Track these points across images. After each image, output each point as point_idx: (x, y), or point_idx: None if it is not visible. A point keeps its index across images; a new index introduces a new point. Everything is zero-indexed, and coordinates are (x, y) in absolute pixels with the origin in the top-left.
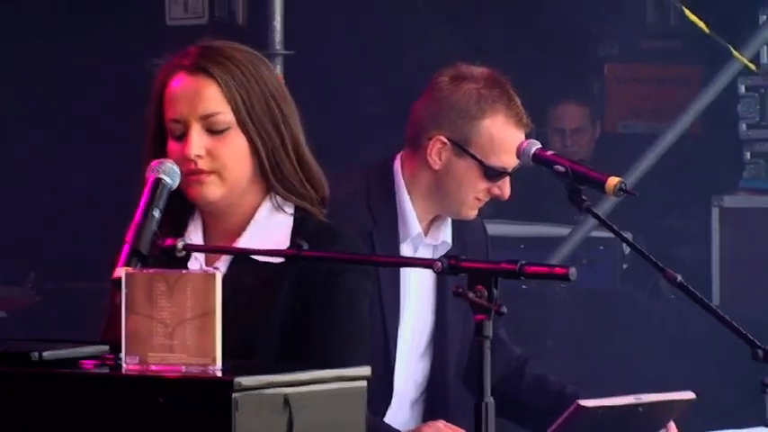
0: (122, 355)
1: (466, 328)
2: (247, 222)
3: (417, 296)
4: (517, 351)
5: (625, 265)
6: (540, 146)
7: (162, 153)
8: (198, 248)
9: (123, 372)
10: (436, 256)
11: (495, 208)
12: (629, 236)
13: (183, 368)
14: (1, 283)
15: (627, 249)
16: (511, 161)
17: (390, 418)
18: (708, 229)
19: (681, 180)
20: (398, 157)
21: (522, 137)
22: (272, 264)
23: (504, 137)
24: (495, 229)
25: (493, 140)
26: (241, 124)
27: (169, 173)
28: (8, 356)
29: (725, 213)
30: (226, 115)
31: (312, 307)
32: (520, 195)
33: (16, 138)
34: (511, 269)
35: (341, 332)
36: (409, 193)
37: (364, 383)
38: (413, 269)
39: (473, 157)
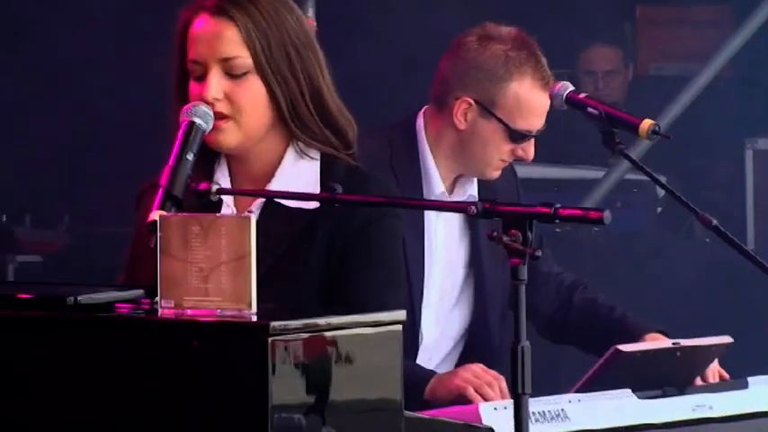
0: (158, 298)
1: (505, 275)
2: (273, 169)
3: (445, 249)
4: (568, 280)
5: (659, 209)
6: (573, 88)
7: (185, 94)
8: (231, 192)
9: (158, 316)
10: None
11: None
12: (663, 179)
13: (218, 312)
14: (34, 227)
15: (661, 192)
16: (537, 123)
17: None
18: (742, 171)
19: (714, 122)
20: (421, 113)
21: (548, 100)
22: (305, 210)
23: (531, 99)
24: (528, 171)
25: (519, 103)
26: (259, 70)
27: (202, 116)
28: (44, 301)
29: (759, 156)
30: (245, 59)
31: (350, 256)
32: (553, 138)
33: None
34: (545, 212)
35: (380, 282)
36: (432, 152)
37: (399, 327)
38: (440, 223)
39: (499, 119)
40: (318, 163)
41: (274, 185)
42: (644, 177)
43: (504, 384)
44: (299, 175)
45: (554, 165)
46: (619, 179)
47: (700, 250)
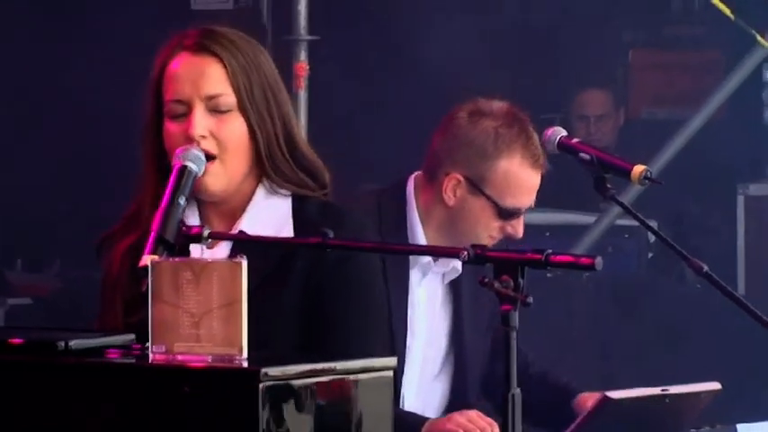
0: (149, 344)
1: (485, 346)
2: (243, 206)
3: (427, 318)
4: (522, 352)
5: (650, 254)
6: (565, 133)
7: (159, 136)
8: (224, 237)
9: (149, 361)
10: (445, 283)
11: None
12: (654, 224)
13: (210, 358)
14: (25, 271)
15: (652, 238)
16: (526, 201)
17: None
18: (733, 217)
19: (705, 168)
20: (412, 179)
21: (538, 178)
22: (277, 246)
23: (521, 177)
24: None
25: (509, 181)
26: (242, 108)
27: (194, 159)
28: (34, 346)
29: (750, 201)
30: (229, 97)
31: (326, 293)
32: (545, 183)
33: (44, 123)
34: (537, 259)
35: (358, 320)
36: (421, 222)
37: (391, 374)
38: (422, 291)
39: (488, 197)
40: (290, 199)
41: (245, 222)
42: (635, 223)
43: (497, 431)
44: (269, 211)
45: (545, 209)
46: (610, 224)
47: (691, 296)
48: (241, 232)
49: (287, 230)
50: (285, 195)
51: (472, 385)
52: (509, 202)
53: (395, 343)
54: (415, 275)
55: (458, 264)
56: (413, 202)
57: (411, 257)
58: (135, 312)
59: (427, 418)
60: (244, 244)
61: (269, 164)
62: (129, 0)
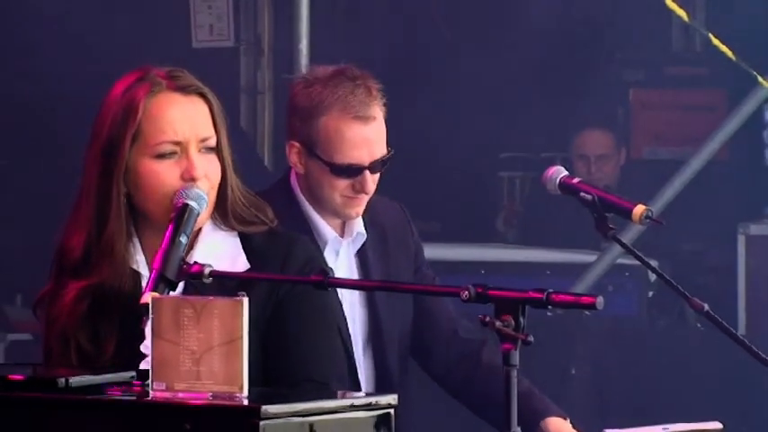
0: (149, 381)
1: (405, 307)
2: (191, 241)
3: (348, 296)
4: (477, 338)
5: (651, 293)
6: (567, 173)
7: (115, 170)
8: (224, 274)
9: (150, 399)
10: (354, 250)
11: (521, 234)
12: (655, 263)
13: (210, 395)
14: (26, 306)
15: (653, 277)
16: (357, 156)
17: None
18: (734, 256)
19: (706, 207)
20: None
21: (365, 130)
22: (232, 276)
23: (341, 132)
24: (520, 255)
25: (330, 137)
26: (219, 149)
27: (196, 198)
28: (34, 382)
29: (751, 241)
30: (213, 138)
31: (284, 319)
32: (546, 221)
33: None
34: (538, 298)
35: (318, 345)
36: (311, 206)
37: (392, 411)
38: (340, 266)
39: (318, 157)
40: (236, 233)
41: (197, 254)
42: (636, 262)
43: None
44: (220, 244)
45: (546, 248)
46: (611, 263)
47: (691, 335)
48: (196, 263)
49: (241, 261)
50: (230, 230)
51: (392, 353)
52: (339, 159)
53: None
54: (329, 256)
55: (361, 227)
56: (297, 187)
57: (318, 240)
58: (104, 349)
59: None
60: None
61: (232, 200)
62: (131, 38)
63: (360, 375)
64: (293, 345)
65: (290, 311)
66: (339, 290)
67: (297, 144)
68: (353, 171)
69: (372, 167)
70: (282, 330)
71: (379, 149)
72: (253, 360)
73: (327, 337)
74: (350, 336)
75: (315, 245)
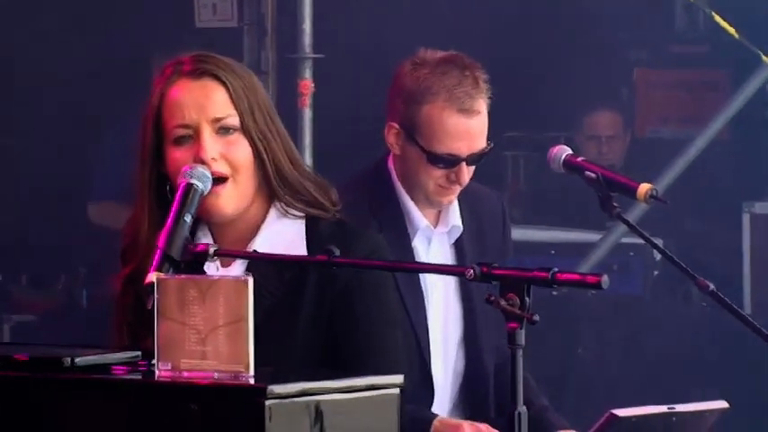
0: (155, 361)
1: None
2: (256, 228)
3: (441, 285)
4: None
5: (656, 272)
6: (571, 152)
7: (159, 164)
8: (229, 254)
9: (156, 378)
10: (450, 242)
11: (526, 213)
12: (659, 242)
13: (216, 375)
14: (30, 286)
15: (658, 256)
16: (456, 147)
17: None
18: (738, 235)
19: (711, 186)
20: (391, 155)
21: (468, 123)
22: (291, 264)
23: (444, 122)
24: (525, 234)
25: (433, 126)
26: (245, 129)
27: (200, 177)
28: (40, 362)
29: (756, 219)
30: (233, 118)
31: (341, 312)
32: (551, 201)
33: (50, 139)
34: (543, 277)
35: (375, 339)
36: (407, 192)
37: (397, 391)
38: (433, 255)
39: (417, 143)
40: (303, 221)
41: (258, 243)
42: (641, 241)
43: None
44: (282, 233)
45: (551, 227)
46: (615, 242)
47: (697, 314)
48: (201, 243)
49: (300, 251)
50: (298, 217)
51: (487, 354)
52: (437, 148)
53: (413, 320)
54: (419, 244)
55: (457, 220)
56: (394, 172)
57: (410, 227)
58: (144, 338)
59: (435, 416)
60: (258, 265)
61: (278, 181)
62: (133, 19)
63: (444, 370)
64: (354, 340)
65: (352, 305)
66: (431, 287)
67: (396, 126)
68: (451, 161)
69: (470, 159)
70: (335, 328)
71: (479, 143)
72: (308, 357)
73: (385, 332)
74: (413, 327)
75: (404, 231)
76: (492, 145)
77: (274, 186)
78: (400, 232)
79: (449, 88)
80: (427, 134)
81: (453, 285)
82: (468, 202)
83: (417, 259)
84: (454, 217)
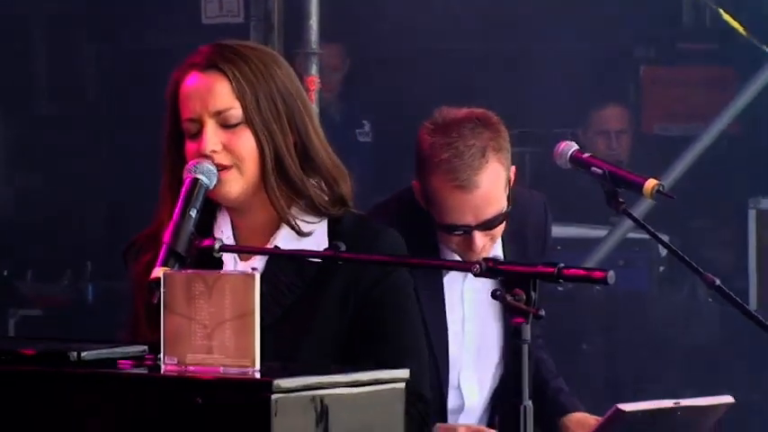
0: (161, 355)
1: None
2: (278, 221)
3: (476, 304)
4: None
5: (662, 268)
6: (578, 148)
7: (180, 155)
8: (234, 249)
9: (162, 372)
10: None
11: None
12: (665, 238)
13: (222, 369)
14: (36, 281)
15: (663, 251)
16: (459, 219)
17: None
18: (744, 231)
19: (717, 182)
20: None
21: (466, 197)
22: (314, 262)
23: (442, 196)
24: None
25: (435, 197)
26: (248, 121)
27: (206, 172)
28: (46, 356)
29: (762, 215)
30: (237, 111)
31: (365, 314)
32: (556, 196)
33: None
34: (549, 272)
35: (397, 341)
36: None
37: (402, 386)
38: (468, 280)
39: (429, 209)
40: (326, 220)
41: (280, 237)
42: (647, 236)
43: None
44: (304, 228)
45: (557, 223)
46: (621, 238)
47: (702, 310)
48: (207, 237)
49: (323, 248)
50: (315, 216)
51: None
52: (444, 220)
53: (437, 341)
54: (454, 275)
55: (499, 252)
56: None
57: (443, 256)
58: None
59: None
60: (278, 261)
61: (276, 178)
62: (139, 14)
63: (480, 391)
64: (376, 344)
65: (380, 308)
66: (463, 295)
67: (418, 186)
68: (461, 230)
69: (481, 227)
70: (358, 329)
71: (487, 211)
72: (324, 355)
73: (405, 333)
74: (428, 330)
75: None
76: (511, 207)
77: (271, 183)
78: (428, 250)
79: (446, 162)
80: (434, 204)
81: (487, 303)
82: (512, 214)
83: (448, 289)
84: (496, 247)
